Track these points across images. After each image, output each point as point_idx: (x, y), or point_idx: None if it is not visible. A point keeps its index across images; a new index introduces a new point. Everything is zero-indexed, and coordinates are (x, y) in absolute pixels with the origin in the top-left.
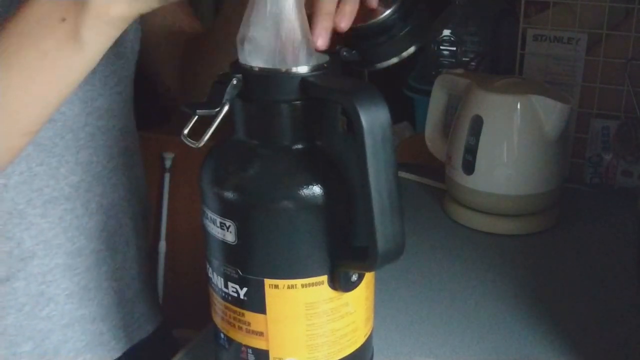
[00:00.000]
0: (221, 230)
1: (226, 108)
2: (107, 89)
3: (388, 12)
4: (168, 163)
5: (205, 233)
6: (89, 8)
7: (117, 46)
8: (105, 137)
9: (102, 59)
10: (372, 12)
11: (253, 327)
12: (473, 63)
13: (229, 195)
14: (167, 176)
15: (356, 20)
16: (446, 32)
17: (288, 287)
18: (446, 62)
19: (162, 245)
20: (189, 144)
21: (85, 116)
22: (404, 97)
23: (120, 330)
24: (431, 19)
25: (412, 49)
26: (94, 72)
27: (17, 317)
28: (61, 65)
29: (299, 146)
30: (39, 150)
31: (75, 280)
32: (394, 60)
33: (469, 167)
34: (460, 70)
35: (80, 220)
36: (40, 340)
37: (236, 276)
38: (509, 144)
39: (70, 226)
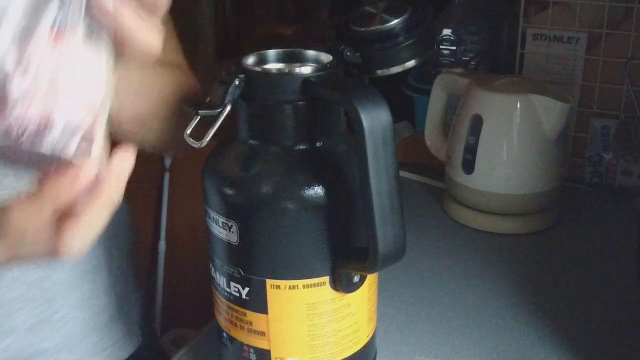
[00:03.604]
0: (224, 231)
1: (229, 109)
2: None
3: (397, 20)
4: (168, 163)
5: (208, 233)
6: None
7: None
8: None
9: None
10: (377, 21)
11: (255, 327)
12: (473, 63)
13: (231, 196)
14: (167, 176)
15: None
16: (446, 32)
17: (290, 288)
18: (446, 61)
19: (162, 245)
20: (191, 144)
21: None
22: (404, 96)
23: None
24: (434, 38)
25: (413, 62)
26: None
27: None
28: None
29: (302, 147)
30: None
31: (35, 313)
32: (396, 69)
33: (469, 167)
34: (460, 70)
35: None
36: None
37: (238, 276)
38: (509, 144)
39: None
